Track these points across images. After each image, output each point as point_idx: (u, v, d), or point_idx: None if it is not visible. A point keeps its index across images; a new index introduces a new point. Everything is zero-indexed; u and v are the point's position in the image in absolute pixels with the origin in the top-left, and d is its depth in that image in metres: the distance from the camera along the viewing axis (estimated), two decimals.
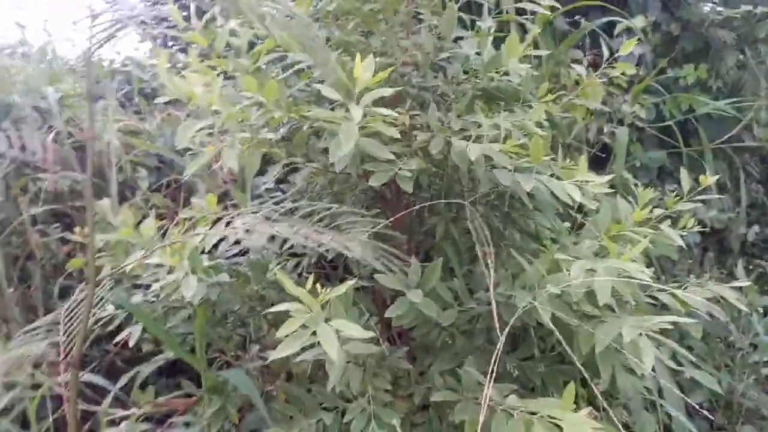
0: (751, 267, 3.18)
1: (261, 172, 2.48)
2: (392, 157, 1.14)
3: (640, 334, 0.95)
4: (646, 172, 2.82)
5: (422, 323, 1.24)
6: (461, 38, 1.46)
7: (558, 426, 0.90)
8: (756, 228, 3.09)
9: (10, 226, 2.34)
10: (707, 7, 2.98)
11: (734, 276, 2.63)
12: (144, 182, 2.82)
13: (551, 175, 1.15)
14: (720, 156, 3.05)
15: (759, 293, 2.47)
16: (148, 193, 2.74)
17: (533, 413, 0.94)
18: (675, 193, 1.40)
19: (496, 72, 1.45)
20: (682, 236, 1.34)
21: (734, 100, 2.65)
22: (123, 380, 1.65)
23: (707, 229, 2.92)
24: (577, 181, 1.13)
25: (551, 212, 1.35)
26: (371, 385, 1.18)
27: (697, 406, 1.37)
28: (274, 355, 0.93)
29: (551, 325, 1.00)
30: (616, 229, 1.20)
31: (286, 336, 0.94)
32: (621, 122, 2.77)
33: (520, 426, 0.93)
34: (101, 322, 1.58)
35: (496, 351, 0.91)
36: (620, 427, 1.61)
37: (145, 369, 1.75)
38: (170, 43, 3.88)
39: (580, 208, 1.54)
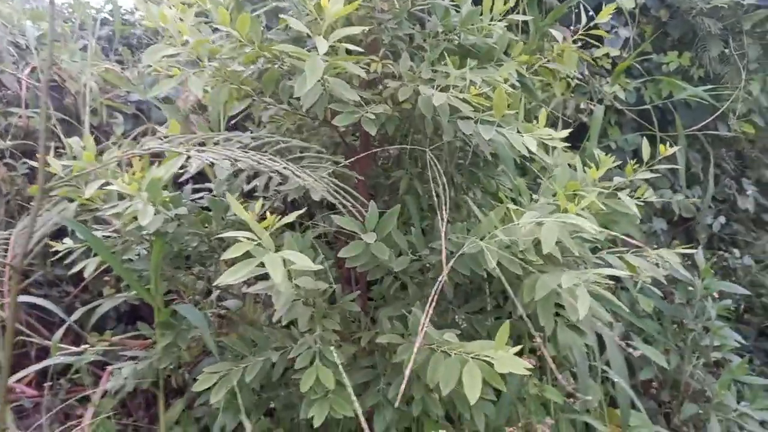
0: (715, 258, 3.25)
1: (235, 126, 2.47)
2: (358, 98, 1.14)
3: (577, 285, 0.97)
4: (620, 154, 2.85)
5: (376, 269, 1.25)
6: None
7: (491, 364, 0.92)
8: (722, 219, 3.14)
9: None
10: None
11: (696, 265, 2.69)
12: (119, 128, 2.79)
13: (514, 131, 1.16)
14: (695, 147, 3.10)
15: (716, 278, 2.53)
16: (121, 139, 2.71)
17: (469, 353, 0.96)
18: (635, 165, 1.42)
19: (477, 31, 1.45)
20: (649, 222, 1.36)
21: (711, 87, 2.68)
22: (78, 313, 1.65)
23: (675, 218, 2.99)
24: (536, 135, 1.14)
25: (512, 171, 1.36)
26: (320, 324, 1.20)
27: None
28: (220, 280, 0.93)
29: (498, 270, 1.02)
30: (572, 188, 1.21)
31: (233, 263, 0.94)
32: (601, 102, 2.79)
33: (456, 364, 0.95)
34: (58, 255, 1.57)
35: (435, 287, 0.93)
36: (567, 390, 1.65)
37: (104, 306, 1.75)
38: None
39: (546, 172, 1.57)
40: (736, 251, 3.34)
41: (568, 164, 1.54)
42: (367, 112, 1.19)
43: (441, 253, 1.17)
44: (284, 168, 0.99)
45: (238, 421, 1.36)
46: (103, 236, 1.55)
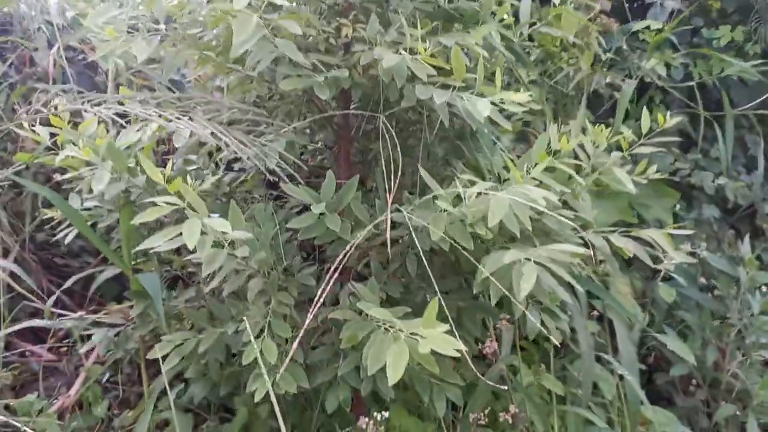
0: None
1: None
2: (306, 62, 1.08)
3: (528, 260, 0.87)
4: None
5: (337, 242, 1.19)
6: None
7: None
8: None
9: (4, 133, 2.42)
10: None
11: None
12: None
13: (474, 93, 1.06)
14: (753, 129, 2.83)
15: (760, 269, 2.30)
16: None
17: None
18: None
19: None
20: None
21: (764, 61, 2.42)
22: (71, 281, 1.69)
23: (730, 204, 2.73)
24: (497, 99, 1.04)
25: (488, 143, 1.27)
26: (274, 297, 1.15)
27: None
28: (140, 247, 0.90)
29: (449, 246, 0.94)
30: (542, 159, 1.10)
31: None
32: (642, 79, 2.58)
33: (390, 339, 0.89)
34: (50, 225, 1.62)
35: (345, 252, 0.86)
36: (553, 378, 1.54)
37: (103, 275, 1.78)
38: None
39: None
40: None
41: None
42: (326, 78, 1.13)
43: (406, 227, 1.10)
44: (218, 133, 0.95)
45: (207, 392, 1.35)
46: (94, 206, 1.57)
